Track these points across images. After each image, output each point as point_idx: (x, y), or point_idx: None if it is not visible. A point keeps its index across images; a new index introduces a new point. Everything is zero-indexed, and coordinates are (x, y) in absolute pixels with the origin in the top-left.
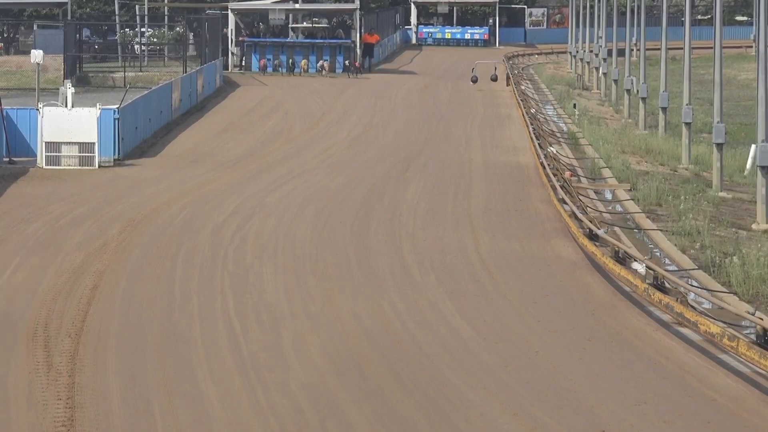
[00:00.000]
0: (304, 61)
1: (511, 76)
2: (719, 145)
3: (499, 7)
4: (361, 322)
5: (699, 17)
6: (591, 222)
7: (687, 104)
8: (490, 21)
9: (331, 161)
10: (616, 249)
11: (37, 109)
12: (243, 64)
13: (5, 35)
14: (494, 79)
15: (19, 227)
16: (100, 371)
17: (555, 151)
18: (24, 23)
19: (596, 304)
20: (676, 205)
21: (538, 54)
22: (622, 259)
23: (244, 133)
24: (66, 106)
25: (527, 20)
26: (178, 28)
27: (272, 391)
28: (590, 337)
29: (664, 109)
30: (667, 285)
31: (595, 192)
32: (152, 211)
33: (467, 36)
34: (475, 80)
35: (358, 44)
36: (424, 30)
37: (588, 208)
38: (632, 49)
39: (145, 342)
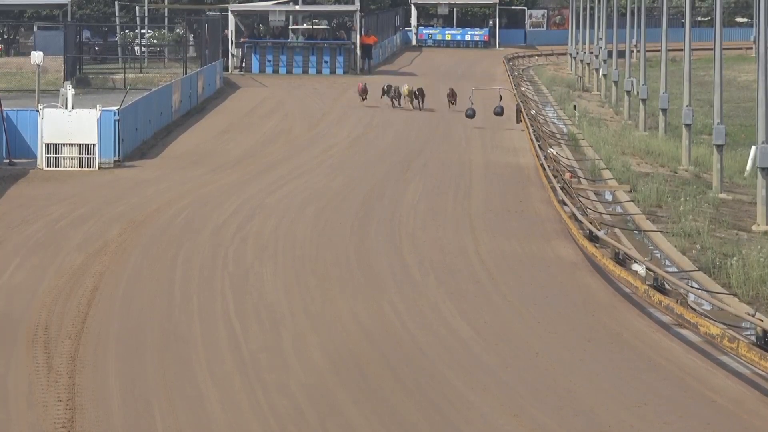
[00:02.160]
0: (406, 87)
1: (522, 108)
2: (719, 147)
3: (499, 9)
4: (361, 322)
5: (699, 19)
6: (591, 223)
7: (687, 106)
8: (490, 22)
9: (331, 162)
10: (616, 250)
11: (38, 111)
12: (243, 65)
13: (5, 36)
14: (499, 112)
15: (19, 228)
16: (101, 372)
17: (555, 152)
18: (24, 24)
19: (596, 306)
20: (676, 207)
21: (538, 55)
22: (622, 261)
23: (244, 134)
24: (66, 107)
25: (527, 22)
26: (178, 30)
27: (272, 392)
28: (590, 338)
29: (664, 110)
30: (667, 286)
31: (595, 193)
32: (152, 212)
33: (467, 37)
34: (471, 115)
35: (357, 45)
36: (424, 31)
37: (588, 210)
38: (632, 51)
39: (146, 343)
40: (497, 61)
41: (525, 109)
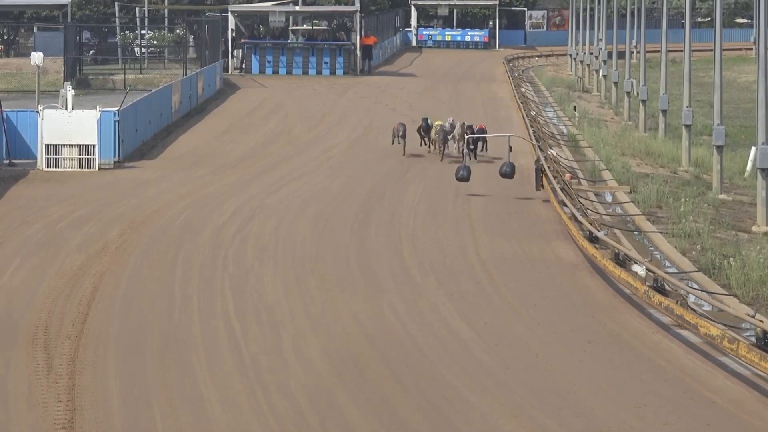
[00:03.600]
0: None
1: (547, 168)
2: (719, 148)
3: (499, 10)
4: (361, 323)
5: (699, 20)
6: (591, 224)
7: (687, 106)
8: (490, 23)
9: (331, 162)
10: (616, 251)
11: (38, 112)
12: (243, 66)
13: (5, 37)
14: (507, 173)
15: (19, 229)
16: (101, 373)
17: (555, 153)
18: (24, 25)
19: (596, 307)
20: (676, 208)
21: (538, 56)
22: (622, 262)
23: (244, 134)
24: (66, 108)
25: (527, 22)
26: (178, 30)
27: (272, 393)
28: (590, 339)
29: (664, 111)
30: (667, 287)
31: (595, 194)
32: (152, 213)
33: (467, 38)
34: (464, 177)
35: (358, 46)
36: (424, 32)
37: (588, 210)
38: (632, 52)
39: (146, 344)
40: (497, 62)
41: (522, 105)
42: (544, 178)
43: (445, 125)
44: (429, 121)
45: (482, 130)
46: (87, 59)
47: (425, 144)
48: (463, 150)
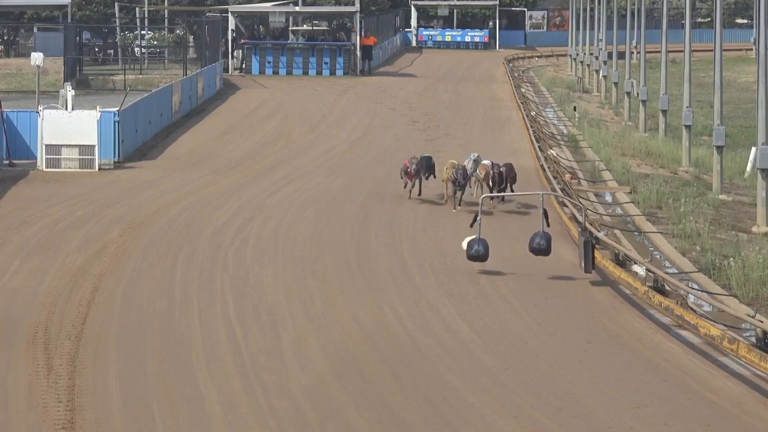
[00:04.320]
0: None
1: (602, 237)
2: (719, 148)
3: (499, 10)
4: (361, 324)
5: (699, 20)
6: (591, 224)
7: (687, 107)
8: (490, 24)
9: (331, 163)
10: (616, 252)
11: (38, 112)
12: (243, 66)
13: (5, 38)
14: (542, 247)
15: (19, 230)
16: (101, 373)
17: (555, 154)
18: (24, 26)
19: (596, 307)
20: (676, 208)
21: (538, 57)
22: (622, 262)
23: (244, 135)
24: (66, 108)
25: (527, 23)
26: (178, 31)
27: (272, 394)
28: (590, 339)
29: (664, 111)
30: (667, 288)
31: (596, 195)
32: (152, 213)
33: (467, 39)
34: (480, 254)
35: (358, 47)
36: (425, 33)
37: (588, 211)
38: (632, 52)
39: (145, 344)
40: (497, 62)
41: (522, 105)
42: (597, 254)
43: (466, 164)
44: (432, 161)
45: (509, 170)
46: (99, 58)
47: (411, 181)
48: (478, 218)
